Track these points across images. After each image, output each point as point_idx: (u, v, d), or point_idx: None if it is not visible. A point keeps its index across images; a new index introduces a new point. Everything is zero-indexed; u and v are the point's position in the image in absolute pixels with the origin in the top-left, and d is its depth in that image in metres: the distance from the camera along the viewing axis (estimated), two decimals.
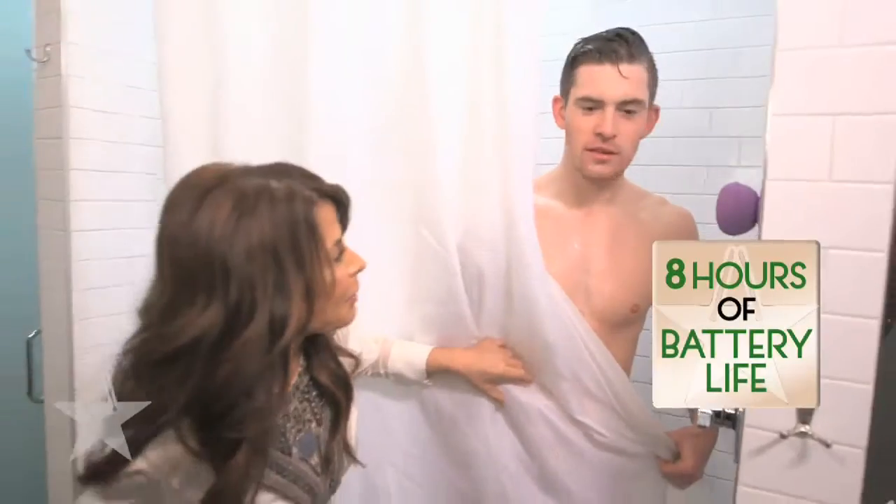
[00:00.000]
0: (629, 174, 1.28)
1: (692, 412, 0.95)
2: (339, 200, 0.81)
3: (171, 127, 1.27)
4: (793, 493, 0.83)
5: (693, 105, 1.85)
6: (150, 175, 1.60)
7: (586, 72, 1.16)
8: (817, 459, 0.81)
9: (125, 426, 0.71)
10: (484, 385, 1.22)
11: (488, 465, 1.24)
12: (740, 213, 0.97)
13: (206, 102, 1.25)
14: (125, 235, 1.59)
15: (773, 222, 0.81)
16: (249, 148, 1.27)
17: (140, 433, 0.72)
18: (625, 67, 1.12)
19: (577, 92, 1.17)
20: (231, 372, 0.69)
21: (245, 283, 0.69)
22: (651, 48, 1.19)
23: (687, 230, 1.30)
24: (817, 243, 0.75)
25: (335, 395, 0.90)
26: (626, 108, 1.14)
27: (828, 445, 0.79)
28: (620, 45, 1.13)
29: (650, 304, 1.27)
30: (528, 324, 1.15)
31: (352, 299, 0.84)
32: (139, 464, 0.73)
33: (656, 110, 1.23)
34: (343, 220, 0.83)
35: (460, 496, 1.28)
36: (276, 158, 0.83)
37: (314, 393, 0.90)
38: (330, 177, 0.82)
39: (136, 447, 0.72)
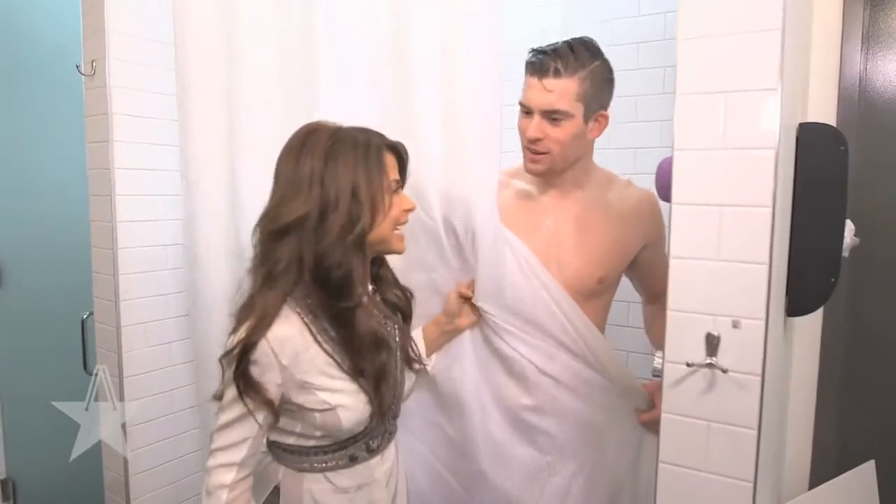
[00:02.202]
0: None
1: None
2: (399, 154, 1.11)
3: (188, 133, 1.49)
4: (705, 417, 0.97)
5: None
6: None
7: (526, 81, 1.33)
8: (723, 387, 0.95)
9: (254, 279, 1.02)
10: (456, 322, 1.35)
11: (474, 413, 1.38)
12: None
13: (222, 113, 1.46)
14: (162, 226, 1.82)
15: (680, 186, 0.96)
16: (260, 154, 1.47)
17: (270, 295, 1.00)
18: (549, 81, 1.27)
19: (521, 98, 1.34)
20: (325, 245, 0.99)
21: (332, 188, 0.99)
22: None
23: (649, 209, 1.44)
24: None
25: (401, 305, 1.20)
26: (552, 116, 1.29)
27: (725, 371, 0.92)
28: (553, 59, 1.27)
29: (616, 276, 1.43)
30: (496, 280, 1.30)
31: (399, 233, 1.11)
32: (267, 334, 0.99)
33: (604, 116, 1.35)
34: (402, 169, 1.12)
35: (449, 442, 1.43)
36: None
37: (386, 316, 1.16)
38: None
39: (268, 319, 0.99)
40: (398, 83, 1.29)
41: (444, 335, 1.37)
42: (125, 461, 1.78)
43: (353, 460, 1.12)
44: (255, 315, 0.99)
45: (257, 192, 1.45)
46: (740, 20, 0.90)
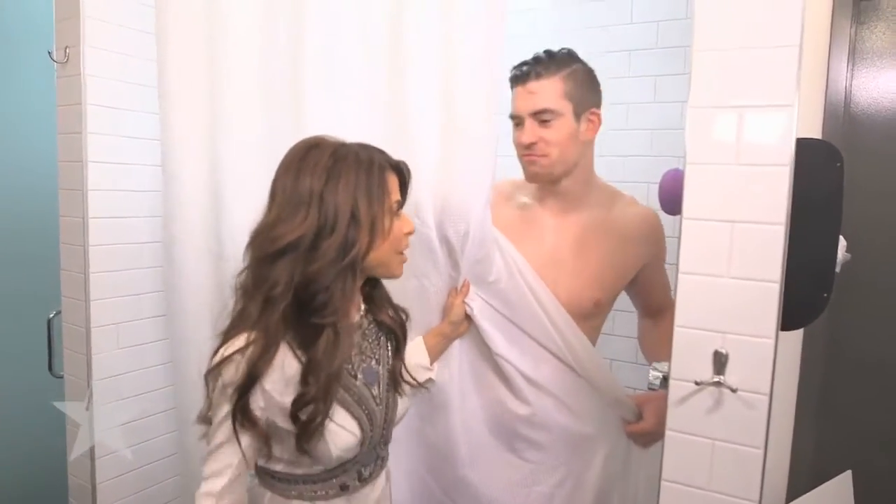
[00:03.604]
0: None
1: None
2: (402, 173, 1.07)
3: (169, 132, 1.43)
4: (710, 436, 0.96)
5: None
6: (160, 167, 1.74)
7: (511, 95, 1.35)
8: (730, 405, 0.94)
9: (247, 300, 0.97)
10: (460, 329, 1.34)
11: (458, 418, 1.36)
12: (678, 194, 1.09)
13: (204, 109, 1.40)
14: (137, 222, 1.74)
15: (691, 201, 0.94)
16: (243, 151, 1.42)
17: (256, 306, 0.95)
18: (531, 84, 1.30)
19: (509, 112, 1.36)
20: (317, 268, 0.94)
21: (331, 209, 0.94)
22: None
23: (651, 230, 1.43)
24: None
25: (394, 330, 1.14)
26: (541, 117, 1.30)
27: (734, 391, 0.91)
28: (532, 66, 1.31)
29: (612, 298, 1.42)
30: (482, 272, 1.30)
31: (401, 256, 1.07)
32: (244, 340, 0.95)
33: (595, 114, 1.36)
34: (403, 189, 1.08)
35: (432, 447, 1.40)
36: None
37: (375, 335, 1.12)
38: None
39: (247, 320, 0.96)
40: (390, 89, 1.25)
41: (446, 341, 1.34)
42: (92, 467, 1.70)
43: (345, 489, 1.07)
44: (258, 345, 0.94)
45: (239, 187, 1.44)
46: (757, 34, 0.89)
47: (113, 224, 1.69)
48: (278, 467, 1.05)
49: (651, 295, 1.50)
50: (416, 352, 1.30)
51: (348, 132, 1.04)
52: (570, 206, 1.40)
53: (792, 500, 1.47)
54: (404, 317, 1.17)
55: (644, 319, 1.59)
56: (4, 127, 2.13)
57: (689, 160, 0.94)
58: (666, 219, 1.29)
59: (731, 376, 0.93)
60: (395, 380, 1.13)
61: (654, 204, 1.53)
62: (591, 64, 1.35)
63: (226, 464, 0.98)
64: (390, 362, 1.12)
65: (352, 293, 1.01)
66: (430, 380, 1.28)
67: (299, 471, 1.04)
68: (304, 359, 0.97)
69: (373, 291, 1.12)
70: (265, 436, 0.98)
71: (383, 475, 1.16)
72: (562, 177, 1.36)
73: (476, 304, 1.32)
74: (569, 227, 1.39)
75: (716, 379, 0.93)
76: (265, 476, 1.08)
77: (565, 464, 1.39)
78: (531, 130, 1.31)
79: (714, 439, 0.95)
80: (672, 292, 1.00)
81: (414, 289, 1.33)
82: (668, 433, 0.99)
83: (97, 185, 1.64)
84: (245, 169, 1.42)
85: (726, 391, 0.93)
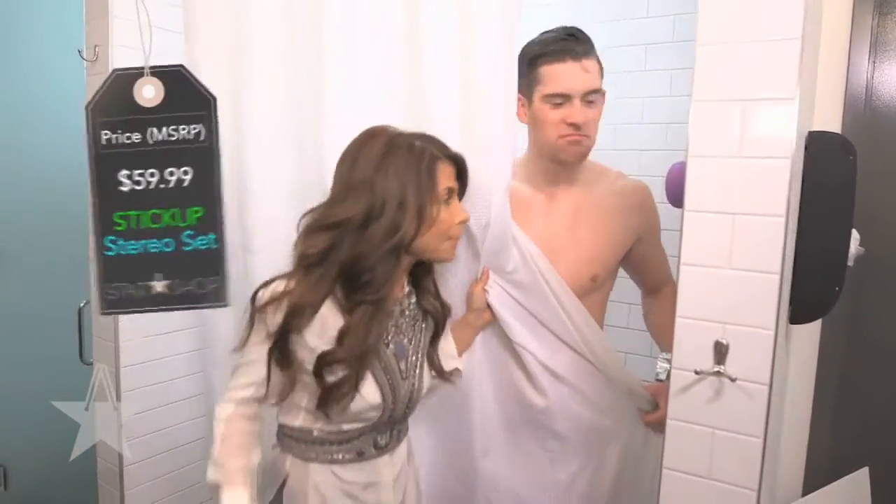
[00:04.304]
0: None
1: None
2: (458, 163, 1.12)
3: None
4: (710, 425, 0.97)
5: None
6: None
7: (550, 71, 1.29)
8: (730, 395, 0.95)
9: (303, 265, 1.04)
10: (484, 317, 1.35)
11: (477, 408, 1.37)
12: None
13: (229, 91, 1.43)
14: None
15: (693, 193, 0.95)
16: (268, 145, 1.46)
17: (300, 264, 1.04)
18: (587, 63, 1.28)
19: (544, 90, 1.31)
20: (364, 248, 1.01)
21: (379, 195, 1.01)
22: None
23: (641, 201, 1.43)
24: None
25: (435, 315, 1.20)
26: (588, 98, 1.29)
27: (733, 380, 0.92)
28: (577, 43, 1.28)
29: (609, 272, 1.42)
30: (504, 274, 1.32)
31: (453, 241, 1.12)
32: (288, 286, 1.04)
33: (604, 94, 1.36)
34: (461, 179, 1.13)
35: (450, 436, 1.41)
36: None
37: (413, 316, 1.17)
38: None
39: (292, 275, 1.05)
40: (411, 78, 1.27)
41: (472, 331, 1.36)
42: (120, 452, 1.77)
43: (361, 455, 1.12)
44: (295, 295, 1.02)
45: (265, 181, 1.47)
46: (759, 28, 0.90)
47: None
48: (297, 421, 1.11)
49: (648, 269, 1.50)
50: (444, 341, 1.33)
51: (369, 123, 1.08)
52: (563, 183, 1.40)
53: (808, 492, 1.47)
54: (447, 309, 1.22)
55: (646, 298, 1.59)
56: (37, 120, 2.21)
57: (692, 153, 0.95)
58: (672, 211, 1.29)
59: (731, 366, 0.94)
60: (428, 362, 1.19)
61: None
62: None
63: (251, 380, 1.08)
64: (423, 345, 1.18)
65: (396, 275, 1.07)
66: (457, 370, 1.31)
67: (316, 427, 1.10)
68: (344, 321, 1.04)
69: (423, 277, 1.18)
70: (293, 377, 1.06)
71: (403, 448, 1.20)
72: (586, 158, 1.37)
73: (494, 291, 1.33)
74: (561, 206, 1.40)
75: (716, 369, 0.95)
76: (284, 438, 1.14)
77: (583, 453, 1.40)
78: (581, 110, 1.28)
79: (714, 428, 0.96)
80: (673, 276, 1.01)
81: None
82: (669, 422, 1.00)
83: None
84: (270, 165, 1.46)
85: (726, 381, 0.94)
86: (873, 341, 1.71)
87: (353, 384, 1.04)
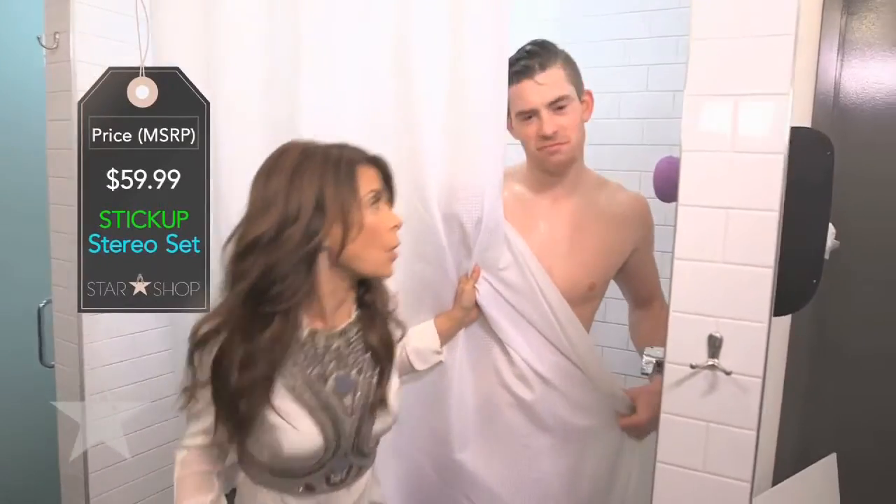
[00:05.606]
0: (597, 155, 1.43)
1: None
2: (380, 166, 1.06)
3: None
4: (704, 418, 0.97)
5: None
6: None
7: (514, 91, 1.34)
8: (724, 388, 0.96)
9: (224, 294, 0.99)
10: (472, 315, 1.35)
11: (456, 402, 1.37)
12: (673, 181, 1.11)
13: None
14: None
15: (687, 188, 0.95)
16: (240, 145, 1.41)
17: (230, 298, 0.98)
18: (540, 76, 1.31)
19: (514, 109, 1.36)
20: (278, 256, 0.95)
21: (294, 203, 0.95)
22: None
23: (640, 213, 1.46)
24: None
25: (378, 353, 1.09)
26: (556, 105, 1.32)
27: (728, 374, 0.93)
28: (530, 58, 1.32)
29: (606, 282, 1.44)
30: (496, 271, 1.31)
31: (391, 254, 1.05)
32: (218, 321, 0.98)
33: (589, 94, 1.40)
34: (387, 182, 1.07)
35: (429, 431, 1.41)
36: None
37: (362, 348, 1.09)
38: None
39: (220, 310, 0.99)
40: (396, 73, 1.25)
41: (457, 325, 1.35)
42: (84, 457, 1.69)
43: (310, 490, 1.06)
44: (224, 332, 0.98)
45: (235, 181, 1.43)
46: (753, 23, 0.90)
47: None
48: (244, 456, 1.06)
49: (641, 282, 1.52)
50: (426, 336, 1.31)
51: (353, 123, 1.04)
52: (564, 191, 1.42)
53: (777, 482, 1.51)
54: (398, 335, 1.14)
55: (636, 312, 1.61)
56: None
57: (685, 147, 0.95)
58: (660, 206, 1.30)
59: (725, 360, 0.95)
60: (370, 401, 1.08)
61: (647, 192, 1.55)
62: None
63: (204, 427, 1.04)
64: (372, 383, 1.09)
65: (313, 286, 1.00)
66: (439, 363, 1.29)
67: (264, 459, 1.04)
68: (242, 347, 0.97)
69: (372, 304, 1.11)
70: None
71: (363, 481, 1.13)
72: (573, 161, 1.39)
73: (483, 288, 1.33)
74: (562, 213, 1.41)
75: (710, 362, 0.95)
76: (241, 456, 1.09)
77: (561, 453, 1.40)
78: (550, 120, 1.31)
79: (708, 421, 0.97)
80: (665, 279, 1.01)
81: (422, 274, 1.33)
82: (663, 416, 1.00)
83: None
84: (242, 166, 1.41)
85: (720, 374, 0.95)
86: (839, 336, 1.76)
87: (253, 408, 0.97)
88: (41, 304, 1.76)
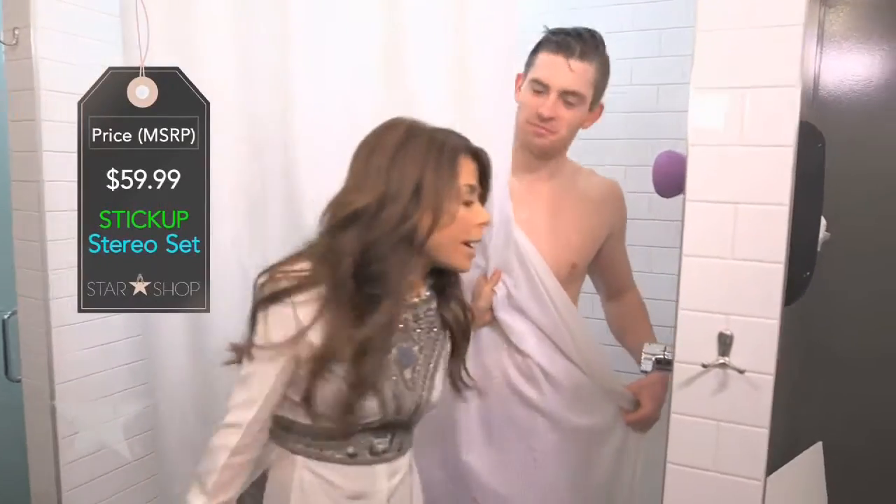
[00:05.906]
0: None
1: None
2: (480, 159, 1.04)
3: None
4: (715, 417, 0.96)
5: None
6: None
7: (543, 58, 1.31)
8: (735, 386, 0.94)
9: (316, 262, 0.97)
10: (483, 318, 1.33)
11: (463, 403, 1.34)
12: (673, 176, 1.09)
13: None
14: None
15: (694, 183, 0.93)
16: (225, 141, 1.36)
17: (324, 272, 0.96)
18: (574, 62, 1.28)
19: (532, 74, 1.33)
20: (376, 235, 0.94)
21: (395, 184, 0.95)
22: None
23: (614, 197, 1.48)
24: None
25: (453, 326, 1.11)
26: (567, 97, 1.30)
27: (742, 372, 0.92)
28: (577, 41, 1.29)
29: (586, 263, 1.43)
30: (509, 271, 1.31)
31: (467, 248, 1.04)
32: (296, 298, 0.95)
33: (601, 107, 1.39)
34: (483, 177, 1.06)
35: (438, 432, 1.38)
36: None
37: (429, 325, 1.09)
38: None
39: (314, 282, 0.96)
40: (399, 65, 1.22)
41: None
42: (57, 474, 1.61)
43: (353, 457, 1.02)
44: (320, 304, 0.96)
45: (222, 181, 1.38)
46: (760, 13, 0.89)
47: (72, 217, 1.59)
48: (279, 410, 1.02)
49: (615, 270, 1.53)
50: None
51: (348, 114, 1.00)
52: (546, 174, 1.42)
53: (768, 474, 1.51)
54: (468, 322, 1.14)
55: (609, 303, 1.60)
56: None
57: (692, 141, 0.94)
58: (661, 202, 1.29)
59: (735, 357, 0.93)
60: (448, 378, 1.13)
61: (632, 187, 1.56)
62: None
63: (251, 396, 0.99)
64: (437, 356, 1.09)
65: (409, 269, 0.99)
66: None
67: (300, 420, 1.01)
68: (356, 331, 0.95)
69: (447, 286, 1.11)
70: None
71: (404, 462, 1.10)
72: (556, 153, 1.39)
73: (501, 291, 1.32)
74: (542, 195, 1.41)
75: (721, 360, 0.93)
76: (272, 426, 1.05)
77: (567, 455, 1.39)
78: (554, 105, 1.30)
79: (719, 420, 0.95)
80: (673, 276, 0.99)
81: None
82: (672, 416, 0.98)
83: (53, 175, 1.54)
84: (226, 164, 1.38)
85: (731, 372, 0.93)
86: (821, 331, 1.78)
87: (359, 391, 0.96)
88: (6, 316, 1.66)
